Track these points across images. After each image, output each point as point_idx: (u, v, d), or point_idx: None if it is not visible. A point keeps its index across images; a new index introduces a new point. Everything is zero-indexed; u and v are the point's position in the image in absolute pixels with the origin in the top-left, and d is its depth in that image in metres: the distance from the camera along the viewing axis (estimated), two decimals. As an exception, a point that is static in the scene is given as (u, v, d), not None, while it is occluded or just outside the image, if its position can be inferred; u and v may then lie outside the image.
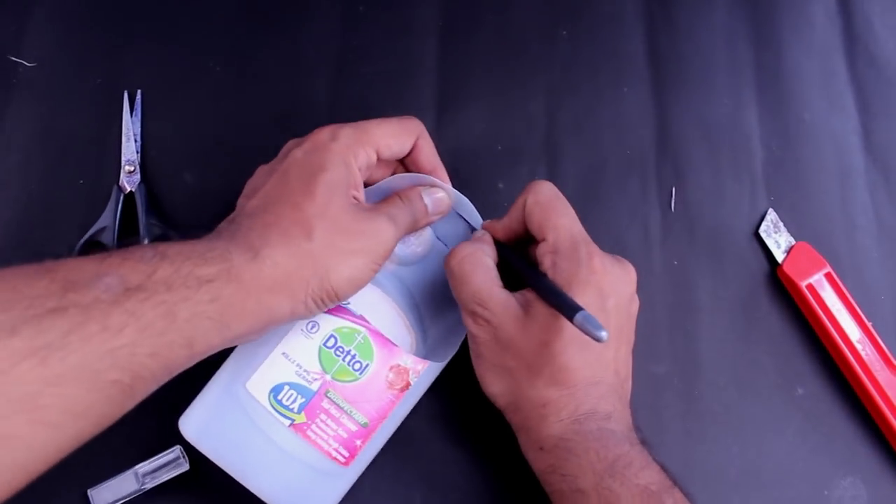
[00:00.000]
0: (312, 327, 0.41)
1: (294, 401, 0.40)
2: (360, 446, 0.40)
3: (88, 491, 0.42)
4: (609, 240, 0.50)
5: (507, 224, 0.43)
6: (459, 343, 0.43)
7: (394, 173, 0.44)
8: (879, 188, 0.54)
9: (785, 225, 0.51)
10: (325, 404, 0.40)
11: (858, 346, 0.48)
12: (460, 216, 0.45)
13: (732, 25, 0.57)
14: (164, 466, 0.42)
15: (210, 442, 0.39)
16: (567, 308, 0.36)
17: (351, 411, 0.40)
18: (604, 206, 0.51)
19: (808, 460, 0.47)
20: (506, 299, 0.39)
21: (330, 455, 0.40)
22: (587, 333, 0.35)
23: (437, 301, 0.45)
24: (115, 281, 0.30)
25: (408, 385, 0.41)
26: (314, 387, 0.40)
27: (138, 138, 0.50)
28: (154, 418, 0.43)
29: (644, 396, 0.47)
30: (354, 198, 0.39)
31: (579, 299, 0.37)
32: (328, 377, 0.40)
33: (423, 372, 0.42)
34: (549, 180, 0.43)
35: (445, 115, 0.52)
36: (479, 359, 0.41)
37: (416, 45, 0.54)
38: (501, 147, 0.52)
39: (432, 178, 0.43)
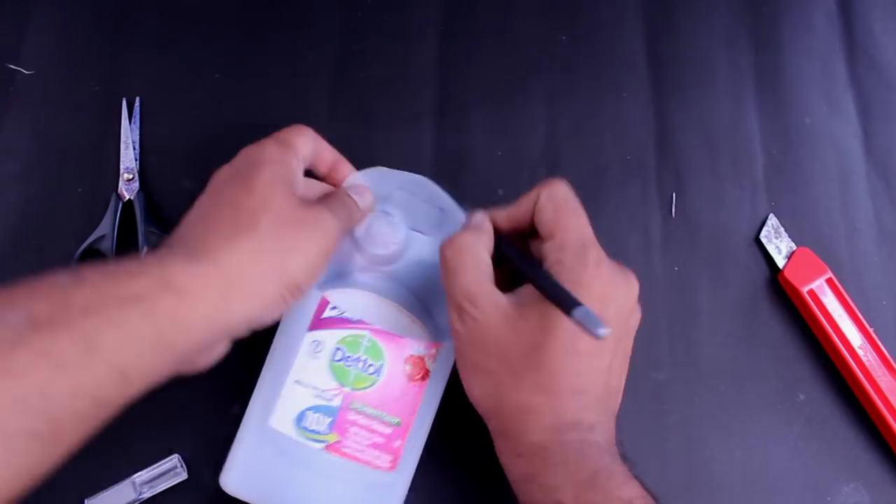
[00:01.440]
0: (316, 347, 0.40)
1: (320, 423, 0.39)
2: (401, 446, 0.40)
3: (86, 500, 0.42)
4: (609, 245, 0.50)
5: (512, 215, 0.41)
6: None
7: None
8: (880, 193, 0.53)
9: (786, 230, 0.51)
10: (352, 416, 0.39)
11: (860, 352, 0.48)
12: (426, 203, 0.45)
13: (733, 29, 0.57)
14: (162, 475, 0.42)
15: (254, 490, 0.39)
16: (567, 302, 0.34)
17: (380, 415, 0.40)
18: (604, 211, 0.51)
19: (811, 466, 0.47)
20: (497, 298, 0.38)
21: (372, 464, 0.39)
22: (585, 329, 0.33)
23: (436, 288, 0.43)
24: (19, 316, 0.26)
25: (427, 372, 0.41)
26: (336, 403, 0.39)
27: (137, 146, 0.50)
28: (152, 427, 0.43)
29: (645, 402, 0.47)
30: (296, 191, 0.37)
31: (582, 288, 0.36)
32: (347, 389, 0.40)
33: (439, 355, 0.41)
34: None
35: (445, 120, 0.52)
36: (461, 358, 0.39)
37: (415, 50, 0.54)
38: (501, 152, 0.52)
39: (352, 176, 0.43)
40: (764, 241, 0.51)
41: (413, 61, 0.54)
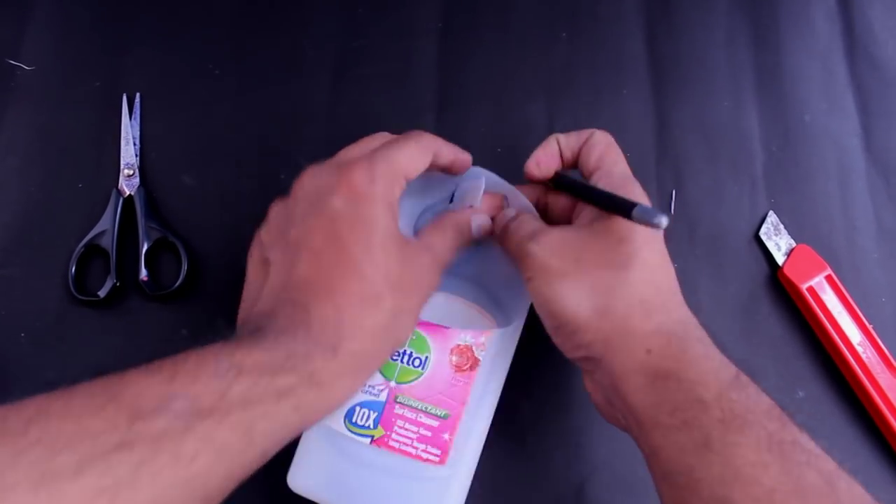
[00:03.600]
0: None
1: (367, 418, 0.40)
2: (450, 439, 0.40)
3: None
4: (609, 242, 0.50)
5: (564, 143, 0.42)
6: (527, 306, 0.42)
7: None
8: (880, 190, 0.53)
9: (785, 227, 0.51)
10: (398, 410, 0.40)
11: (859, 349, 0.48)
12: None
13: (732, 27, 0.57)
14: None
15: (315, 487, 0.40)
16: (625, 206, 0.34)
17: (426, 408, 0.40)
18: (604, 208, 0.51)
19: (809, 463, 0.47)
20: (564, 226, 0.38)
21: (420, 458, 0.39)
22: (648, 223, 0.33)
23: (499, 269, 0.43)
24: (186, 405, 0.28)
25: (476, 362, 0.40)
26: (382, 397, 0.40)
27: (137, 141, 0.50)
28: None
29: (644, 399, 0.47)
30: (404, 241, 0.36)
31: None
32: (393, 383, 0.40)
33: (489, 343, 0.40)
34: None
35: (445, 116, 0.52)
36: (545, 275, 0.36)
37: (415, 47, 0.54)
38: (501, 149, 0.52)
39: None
40: (763, 238, 0.51)
41: (413, 59, 0.54)
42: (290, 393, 0.31)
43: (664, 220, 0.33)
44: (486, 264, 0.43)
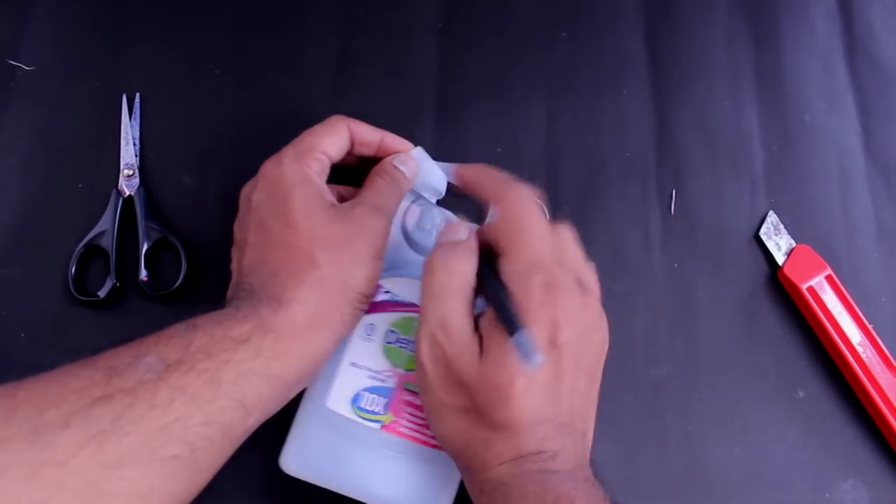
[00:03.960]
0: (370, 331, 0.41)
1: (376, 403, 0.40)
2: None
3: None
4: (609, 242, 0.50)
5: (483, 231, 0.40)
6: None
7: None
8: (880, 190, 0.53)
9: (785, 227, 0.51)
10: (407, 397, 0.40)
11: (859, 349, 0.48)
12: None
13: (732, 27, 0.57)
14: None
15: (313, 470, 0.40)
16: (511, 326, 0.34)
17: None
18: (603, 208, 0.51)
19: (810, 463, 0.47)
20: (470, 336, 0.36)
21: (429, 444, 0.40)
22: (520, 355, 0.33)
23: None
24: (155, 359, 0.31)
25: None
26: (390, 384, 0.40)
27: (137, 142, 0.50)
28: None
29: (645, 399, 0.47)
30: (331, 204, 0.39)
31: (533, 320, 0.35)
32: (400, 371, 0.41)
33: None
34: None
35: (445, 116, 0.52)
36: (428, 396, 0.37)
37: (415, 47, 0.54)
38: (501, 149, 0.52)
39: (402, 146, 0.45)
40: (763, 238, 0.51)
41: (413, 59, 0.54)
42: (247, 341, 0.33)
43: (537, 360, 0.33)
44: None
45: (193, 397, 0.31)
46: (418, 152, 0.45)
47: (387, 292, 0.42)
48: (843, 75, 0.56)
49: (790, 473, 0.47)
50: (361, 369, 0.40)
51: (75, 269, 0.46)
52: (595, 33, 0.55)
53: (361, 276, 0.38)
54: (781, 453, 0.47)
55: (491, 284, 0.37)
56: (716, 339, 0.49)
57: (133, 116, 0.50)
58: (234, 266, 0.40)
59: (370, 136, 0.44)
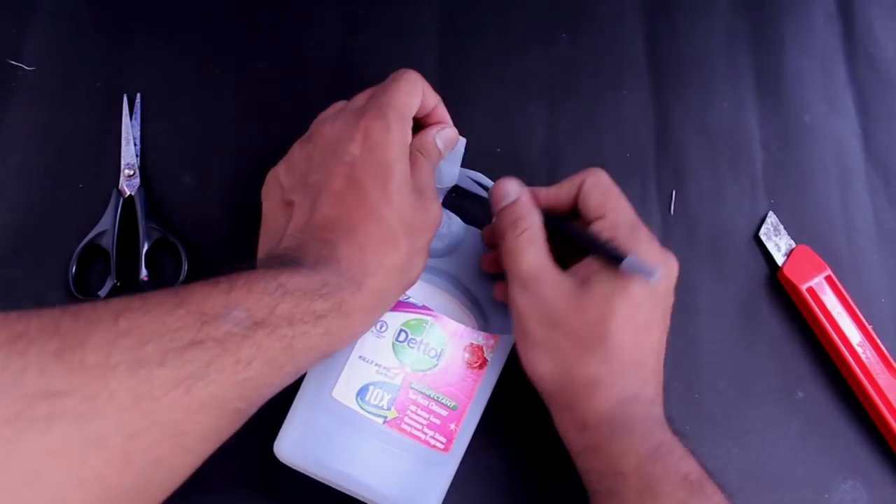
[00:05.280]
0: (381, 327, 0.41)
1: (382, 398, 0.40)
2: (455, 430, 0.41)
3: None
4: (609, 243, 0.50)
5: (553, 195, 0.42)
6: (508, 319, 0.43)
7: None
8: (879, 191, 0.54)
9: (785, 228, 0.51)
10: (412, 395, 0.41)
11: (859, 349, 0.48)
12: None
13: (732, 28, 0.57)
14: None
15: (309, 459, 0.40)
16: (619, 254, 0.37)
17: (438, 397, 0.41)
18: (604, 208, 0.51)
19: (809, 463, 0.47)
20: (560, 276, 0.39)
21: (429, 444, 0.41)
22: (640, 272, 0.36)
23: (484, 279, 0.45)
24: (244, 315, 0.31)
25: (485, 361, 0.42)
26: (397, 381, 0.41)
27: (138, 141, 0.50)
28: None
29: (644, 400, 0.47)
30: (413, 187, 0.39)
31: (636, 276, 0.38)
32: (408, 370, 0.41)
33: (496, 346, 0.42)
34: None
35: (445, 117, 0.52)
36: (524, 336, 0.40)
37: (415, 47, 0.54)
38: (501, 149, 0.52)
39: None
40: (763, 238, 0.51)
41: (414, 58, 0.54)
42: (324, 318, 0.34)
43: (656, 274, 0.36)
44: (466, 265, 0.45)
45: (270, 361, 0.31)
46: (461, 142, 0.45)
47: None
48: (843, 76, 0.56)
49: (789, 474, 0.47)
50: (370, 364, 0.41)
51: (76, 269, 0.46)
52: (595, 33, 0.55)
53: (420, 266, 0.39)
54: (781, 454, 0.47)
55: (580, 233, 0.41)
56: (715, 340, 0.49)
57: (134, 116, 0.50)
58: (297, 199, 0.39)
59: (430, 100, 0.43)
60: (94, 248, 0.47)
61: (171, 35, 0.53)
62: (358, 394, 0.40)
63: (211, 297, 0.31)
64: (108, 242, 0.47)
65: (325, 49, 0.53)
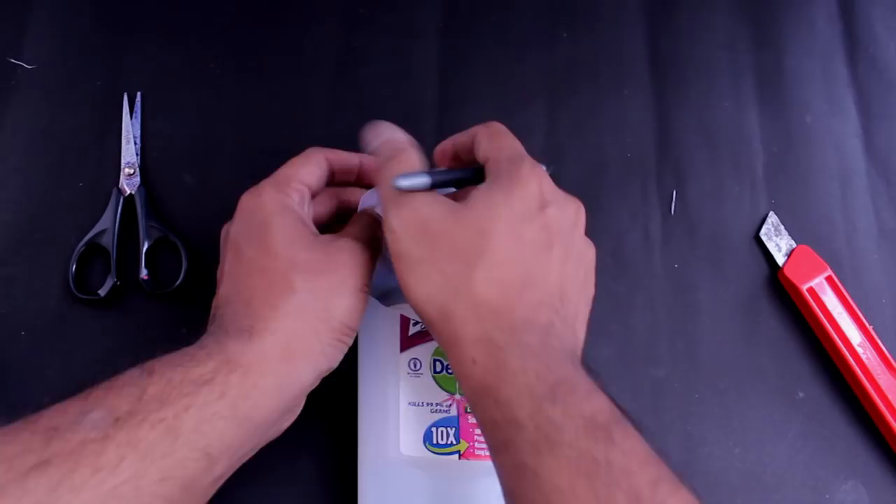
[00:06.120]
0: (416, 366, 0.40)
1: (447, 435, 0.40)
2: None
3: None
4: (609, 242, 0.50)
5: (455, 144, 0.40)
6: None
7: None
8: (880, 191, 0.53)
9: (786, 228, 0.51)
10: (473, 419, 0.40)
11: (859, 350, 0.48)
12: None
13: (733, 28, 0.57)
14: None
15: None
16: (476, 171, 0.36)
17: None
18: (604, 208, 0.51)
19: (810, 464, 0.47)
20: (436, 194, 0.35)
21: None
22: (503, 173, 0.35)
23: None
24: (102, 414, 0.28)
25: None
26: (453, 412, 0.40)
27: (138, 140, 0.50)
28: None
29: (644, 399, 0.47)
30: (312, 233, 0.37)
31: (517, 190, 0.34)
32: (458, 396, 0.40)
33: None
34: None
35: (445, 116, 0.52)
36: (400, 257, 0.34)
37: (416, 47, 0.54)
38: (501, 149, 0.52)
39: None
40: (764, 238, 0.51)
41: (414, 58, 0.54)
42: (210, 383, 0.31)
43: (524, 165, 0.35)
44: None
45: (146, 453, 0.28)
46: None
47: (416, 324, 0.41)
48: (843, 76, 0.56)
49: (790, 474, 0.47)
50: (422, 406, 0.40)
51: (76, 268, 0.46)
52: (595, 33, 0.55)
53: (344, 305, 0.35)
54: (781, 454, 0.47)
55: (451, 171, 0.39)
56: (716, 340, 0.49)
57: (134, 115, 0.50)
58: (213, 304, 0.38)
59: (349, 162, 0.42)
60: (94, 247, 0.47)
61: (172, 34, 0.53)
62: (424, 440, 0.39)
63: (64, 409, 0.28)
64: (109, 241, 0.47)
65: (325, 49, 0.53)
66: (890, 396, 0.47)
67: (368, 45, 0.54)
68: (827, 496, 0.47)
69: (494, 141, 0.38)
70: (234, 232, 0.37)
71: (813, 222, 0.52)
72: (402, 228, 0.34)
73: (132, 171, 0.49)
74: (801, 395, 0.49)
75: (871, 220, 0.53)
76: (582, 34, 0.55)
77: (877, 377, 0.47)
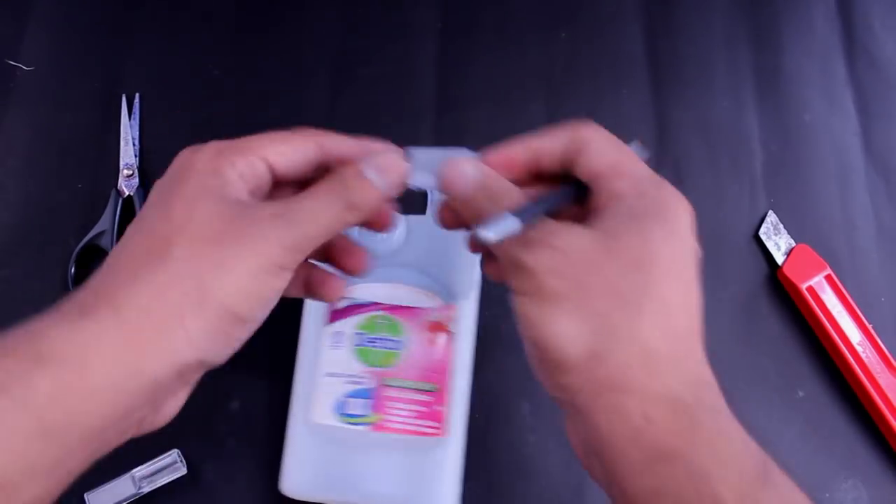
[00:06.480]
0: (338, 339, 0.41)
1: (360, 406, 0.40)
2: (445, 410, 0.41)
3: (86, 494, 0.42)
4: (609, 242, 0.50)
5: (533, 150, 0.33)
6: (476, 277, 0.44)
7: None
8: (879, 190, 0.53)
9: (785, 227, 0.51)
10: (388, 392, 0.41)
11: (859, 349, 0.48)
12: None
13: (732, 27, 0.57)
14: (161, 470, 0.42)
15: (313, 488, 0.40)
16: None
17: (414, 385, 0.41)
18: (603, 208, 0.51)
19: (809, 463, 0.47)
20: (572, 225, 0.30)
21: (421, 433, 0.40)
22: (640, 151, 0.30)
23: (442, 255, 0.44)
24: None
25: (450, 333, 0.42)
26: (370, 384, 0.41)
27: (136, 142, 0.50)
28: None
29: (644, 399, 0.47)
30: (233, 201, 0.29)
31: (671, 224, 0.30)
32: (376, 369, 0.41)
33: (456, 316, 0.42)
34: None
35: (445, 116, 0.52)
36: (539, 296, 0.28)
37: (415, 47, 0.54)
38: (501, 149, 0.52)
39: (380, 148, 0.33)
40: (763, 237, 0.51)
41: (413, 59, 0.54)
42: (7, 390, 0.24)
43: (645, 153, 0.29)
44: (426, 251, 0.43)
45: None
46: (419, 153, 0.35)
47: (343, 298, 0.42)
48: (842, 75, 0.56)
49: (790, 473, 0.46)
50: (338, 377, 0.41)
51: (75, 269, 0.46)
52: (595, 33, 0.55)
53: (232, 287, 0.27)
54: (781, 453, 0.46)
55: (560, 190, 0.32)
56: (715, 340, 0.48)
57: (132, 116, 0.50)
58: None
59: (348, 149, 0.32)
60: (93, 248, 0.47)
61: (170, 35, 0.53)
62: (336, 410, 0.40)
63: None
64: (108, 242, 0.47)
65: (325, 49, 0.53)
66: (889, 395, 0.47)
67: (367, 46, 0.54)
68: (827, 495, 0.47)
69: (613, 153, 0.31)
70: (154, 186, 0.31)
71: (812, 221, 0.52)
72: (541, 265, 0.28)
73: (131, 173, 0.49)
74: (800, 394, 0.48)
75: (871, 218, 0.53)
76: (581, 34, 0.55)
77: (876, 376, 0.47)
